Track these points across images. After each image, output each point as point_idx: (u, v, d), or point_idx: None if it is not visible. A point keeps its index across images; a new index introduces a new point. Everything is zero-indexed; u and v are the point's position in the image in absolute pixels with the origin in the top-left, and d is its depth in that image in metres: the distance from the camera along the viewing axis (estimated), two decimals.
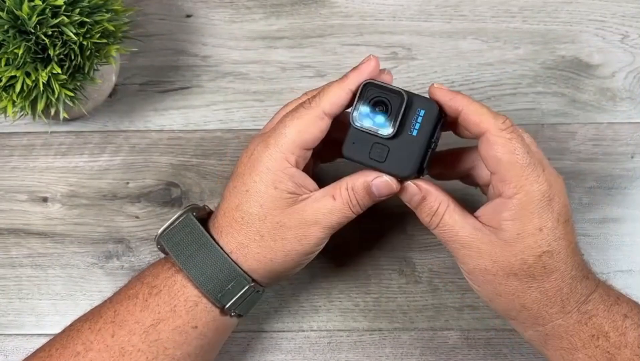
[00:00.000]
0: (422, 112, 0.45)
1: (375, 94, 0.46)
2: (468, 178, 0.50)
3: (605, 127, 0.59)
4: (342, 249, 0.57)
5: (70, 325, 0.48)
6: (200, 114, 0.60)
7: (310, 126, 0.46)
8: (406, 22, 0.61)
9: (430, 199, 0.45)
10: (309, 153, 0.47)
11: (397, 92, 0.45)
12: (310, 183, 0.47)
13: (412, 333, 0.56)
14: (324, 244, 0.48)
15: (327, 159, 0.53)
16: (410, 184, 0.46)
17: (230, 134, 0.59)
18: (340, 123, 0.47)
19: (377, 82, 0.46)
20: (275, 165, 0.46)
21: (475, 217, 0.46)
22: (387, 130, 0.45)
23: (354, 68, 0.46)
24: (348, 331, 0.56)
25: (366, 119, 0.46)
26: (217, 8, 0.62)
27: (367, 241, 0.57)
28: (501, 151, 0.44)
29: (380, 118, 0.45)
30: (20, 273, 0.57)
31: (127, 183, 0.59)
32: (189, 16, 0.62)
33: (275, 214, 0.46)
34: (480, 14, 0.61)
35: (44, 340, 0.48)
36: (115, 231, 0.58)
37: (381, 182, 0.46)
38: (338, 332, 0.56)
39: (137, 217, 0.58)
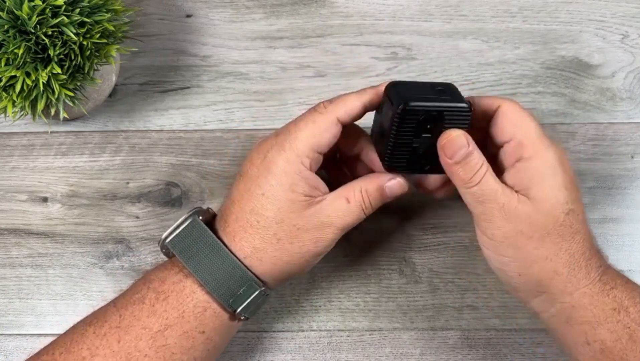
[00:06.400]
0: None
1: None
2: None
3: (605, 127, 0.59)
4: (342, 250, 0.57)
5: (73, 328, 0.48)
6: (200, 114, 0.60)
7: (324, 131, 0.47)
8: (406, 22, 0.61)
9: (476, 154, 0.45)
10: (321, 157, 0.48)
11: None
12: (322, 185, 0.48)
13: (412, 333, 0.56)
14: (333, 245, 0.49)
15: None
16: (460, 135, 0.45)
17: (230, 134, 0.59)
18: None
19: (401, 81, 0.48)
20: (292, 168, 0.46)
21: None
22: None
23: (372, 86, 0.48)
24: (348, 331, 0.56)
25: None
26: (217, 8, 0.62)
27: (367, 241, 0.57)
28: (517, 116, 0.46)
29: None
30: (20, 273, 0.57)
31: (127, 183, 0.59)
32: (189, 16, 0.62)
33: (293, 217, 0.46)
34: (480, 14, 0.61)
35: (44, 340, 0.49)
36: (115, 231, 0.58)
37: (395, 183, 0.48)
38: (338, 332, 0.56)
39: (137, 217, 0.58)
